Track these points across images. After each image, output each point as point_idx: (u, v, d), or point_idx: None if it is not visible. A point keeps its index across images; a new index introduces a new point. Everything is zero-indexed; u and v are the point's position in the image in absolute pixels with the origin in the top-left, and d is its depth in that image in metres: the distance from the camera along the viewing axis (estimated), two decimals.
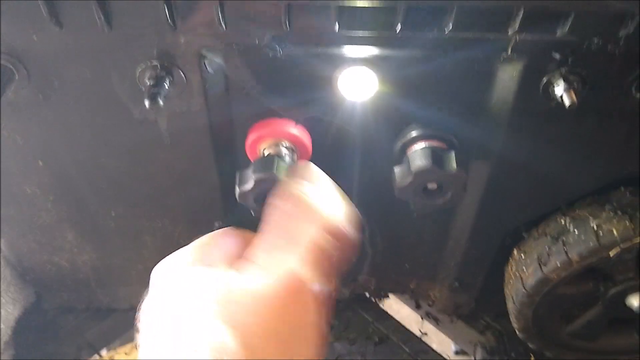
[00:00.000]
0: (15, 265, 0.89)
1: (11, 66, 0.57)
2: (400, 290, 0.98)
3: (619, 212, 0.70)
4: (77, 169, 0.71)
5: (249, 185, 0.58)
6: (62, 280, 0.92)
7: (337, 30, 0.51)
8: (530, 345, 0.89)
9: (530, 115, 0.61)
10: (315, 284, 0.38)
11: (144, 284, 0.39)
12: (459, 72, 0.58)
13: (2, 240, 0.84)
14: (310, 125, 0.65)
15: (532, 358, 0.94)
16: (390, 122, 0.64)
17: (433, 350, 0.97)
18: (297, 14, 0.51)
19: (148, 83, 0.56)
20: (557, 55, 0.54)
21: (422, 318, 1.03)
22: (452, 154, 0.62)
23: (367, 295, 1.02)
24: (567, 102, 0.55)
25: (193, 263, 0.40)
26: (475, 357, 0.99)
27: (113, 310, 0.99)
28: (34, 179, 0.72)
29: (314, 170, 0.47)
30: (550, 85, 0.57)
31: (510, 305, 0.83)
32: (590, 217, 0.71)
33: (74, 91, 0.60)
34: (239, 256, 0.42)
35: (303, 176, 0.45)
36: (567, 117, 0.62)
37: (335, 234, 0.41)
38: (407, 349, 0.96)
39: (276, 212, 0.43)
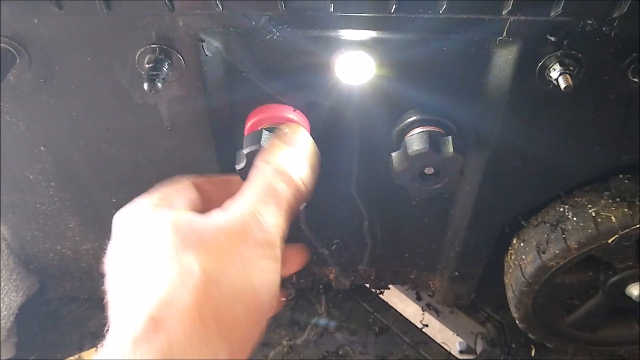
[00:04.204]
0: (18, 254, 0.90)
1: (12, 50, 0.57)
2: (400, 281, 0.98)
3: (618, 199, 0.70)
4: (79, 155, 0.71)
5: (242, 162, 0.58)
6: (65, 270, 0.93)
7: (332, 11, 0.52)
8: (531, 336, 0.89)
9: (527, 99, 0.61)
10: (270, 219, 0.43)
11: None
12: (456, 55, 0.58)
13: (6, 227, 0.85)
14: (309, 111, 0.65)
15: (533, 349, 0.94)
16: (388, 107, 0.64)
17: (434, 341, 0.97)
18: None
19: (147, 66, 0.57)
20: (552, 38, 0.55)
21: (422, 309, 1.03)
22: (449, 139, 0.62)
23: (368, 286, 1.02)
24: (562, 84, 0.55)
25: (155, 207, 0.43)
26: (477, 352, 0.99)
27: None
28: (36, 165, 0.73)
29: (294, 135, 0.55)
30: (546, 68, 0.57)
31: (510, 295, 0.83)
32: (589, 205, 0.72)
33: (75, 75, 0.61)
34: (198, 207, 0.47)
35: (283, 139, 0.54)
36: (563, 102, 0.62)
37: (290, 183, 0.48)
38: (407, 340, 0.96)
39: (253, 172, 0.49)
